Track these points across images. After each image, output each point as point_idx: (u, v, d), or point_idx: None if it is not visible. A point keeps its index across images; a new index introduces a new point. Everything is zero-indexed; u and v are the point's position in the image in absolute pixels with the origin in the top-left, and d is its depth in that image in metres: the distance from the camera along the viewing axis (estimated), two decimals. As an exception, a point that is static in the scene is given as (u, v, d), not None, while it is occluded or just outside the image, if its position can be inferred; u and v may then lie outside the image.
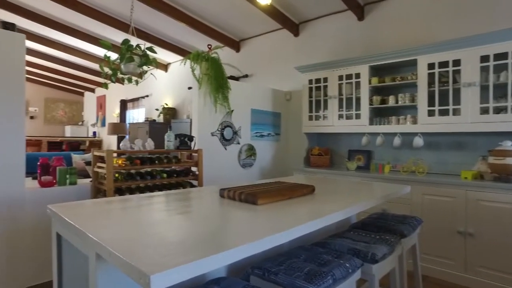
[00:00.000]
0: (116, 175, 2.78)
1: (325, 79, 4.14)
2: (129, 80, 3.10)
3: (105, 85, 3.13)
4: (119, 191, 2.79)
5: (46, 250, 2.85)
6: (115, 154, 2.89)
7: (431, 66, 3.29)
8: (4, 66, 2.53)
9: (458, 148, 3.41)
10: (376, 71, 3.90)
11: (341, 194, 2.04)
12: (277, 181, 2.33)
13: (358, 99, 3.87)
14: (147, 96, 8.01)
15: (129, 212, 1.49)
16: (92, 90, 11.06)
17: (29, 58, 8.05)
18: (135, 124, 7.56)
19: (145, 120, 7.23)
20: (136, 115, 8.78)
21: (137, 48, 2.97)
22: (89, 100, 11.46)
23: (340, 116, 4.01)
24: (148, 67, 3.14)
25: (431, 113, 3.30)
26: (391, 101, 3.65)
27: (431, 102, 3.30)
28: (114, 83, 3.14)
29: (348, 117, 3.97)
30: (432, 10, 3.65)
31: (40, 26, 5.90)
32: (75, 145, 9.83)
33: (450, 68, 3.15)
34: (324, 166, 4.21)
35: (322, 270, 1.36)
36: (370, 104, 3.77)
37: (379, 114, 3.93)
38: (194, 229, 1.22)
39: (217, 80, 3.76)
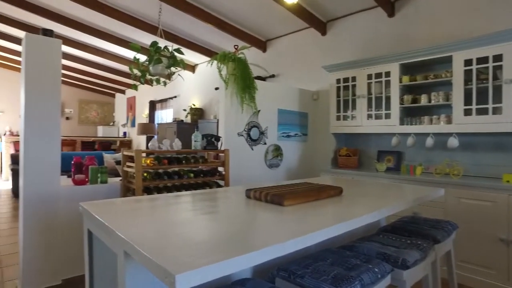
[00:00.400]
0: (145, 174, 2.84)
1: (353, 78, 4.04)
2: (157, 82, 3.16)
3: (134, 87, 3.20)
4: (147, 190, 2.85)
5: (78, 245, 2.95)
6: (143, 154, 2.95)
7: (468, 62, 3.13)
8: (42, 70, 2.65)
9: (499, 149, 3.22)
10: (407, 69, 3.76)
11: (369, 196, 1.97)
12: (304, 182, 2.29)
13: (388, 98, 3.75)
14: (175, 97, 8.16)
15: (157, 211, 1.51)
16: (123, 92, 11.41)
17: (64, 62, 8.42)
18: (164, 124, 7.72)
19: (173, 121, 7.37)
20: (164, 116, 8.97)
21: (165, 50, 3.02)
22: (120, 101, 11.84)
23: (369, 116, 3.90)
24: (176, 68, 3.19)
25: (467, 112, 3.13)
26: (423, 100, 3.51)
27: (467, 101, 3.13)
28: (143, 84, 3.20)
29: (378, 117, 3.86)
30: (468, 2, 3.48)
31: (74, 31, 6.15)
32: (107, 145, 10.17)
33: (490, 64, 2.99)
34: (352, 167, 4.11)
35: (350, 275, 1.32)
36: (401, 104, 3.64)
37: (410, 113, 3.78)
38: (220, 229, 1.21)
39: (243, 80, 3.76)
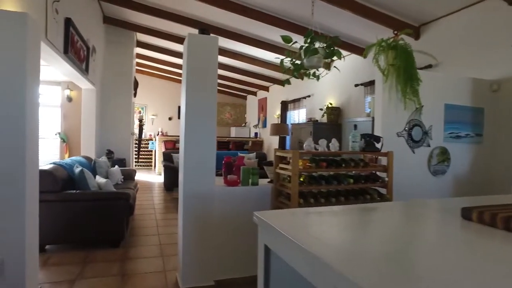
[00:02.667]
0: (301, 178, 2.57)
1: None
2: (314, 75, 2.88)
3: (286, 81, 2.99)
4: (302, 196, 2.57)
5: (231, 247, 2.88)
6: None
7: None
8: (201, 67, 2.65)
9: None
10: None
11: None
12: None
13: None
14: (308, 96, 7.92)
15: (361, 229, 1.16)
16: (254, 94, 11.81)
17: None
18: (298, 124, 7.56)
19: (308, 121, 7.12)
20: (296, 116, 8.84)
21: (321, 39, 2.71)
22: (251, 102, 12.30)
23: None
24: (332, 60, 2.84)
25: None
26: None
27: None
28: (297, 78, 2.97)
29: None
30: None
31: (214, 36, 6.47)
32: (240, 145, 10.65)
33: None
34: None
35: None
36: None
37: None
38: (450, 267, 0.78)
39: (406, 71, 3.17)
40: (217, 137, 11.19)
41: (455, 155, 3.62)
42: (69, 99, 6.51)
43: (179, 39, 7.21)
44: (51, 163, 3.90)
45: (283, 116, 9.13)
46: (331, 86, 7.02)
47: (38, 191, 2.59)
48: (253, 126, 11.78)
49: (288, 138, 8.71)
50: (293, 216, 1.39)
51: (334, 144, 2.72)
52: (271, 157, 9.27)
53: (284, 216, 1.38)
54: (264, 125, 10.78)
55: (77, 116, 6.63)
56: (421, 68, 4.67)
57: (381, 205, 1.78)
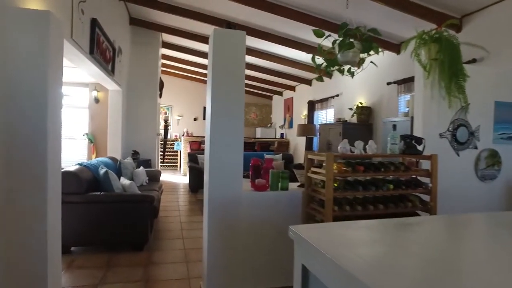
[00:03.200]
0: (335, 184, 2.34)
1: None
2: (349, 72, 2.64)
3: (319, 78, 2.77)
4: (336, 202, 2.35)
5: (258, 255, 2.69)
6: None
7: None
8: (228, 63, 2.48)
9: None
10: None
11: None
12: None
13: None
14: (336, 95, 7.62)
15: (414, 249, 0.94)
16: (280, 94, 11.59)
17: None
18: (326, 125, 7.29)
19: (336, 121, 6.84)
20: (323, 116, 8.56)
21: (357, 33, 2.47)
22: (277, 103, 12.09)
23: None
24: (369, 54, 2.60)
25: None
26: None
27: None
28: (330, 73, 2.74)
29: None
30: None
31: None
32: (265, 146, 10.45)
33: None
34: None
35: None
36: None
37: None
38: None
39: (451, 66, 2.88)
40: (244, 137, 11.01)
41: (507, 158, 3.27)
42: (96, 100, 6.57)
43: (204, 39, 7.12)
44: (76, 164, 3.86)
45: (310, 116, 8.87)
46: (361, 84, 6.70)
47: (61, 193, 2.51)
48: (279, 127, 11.57)
49: (315, 139, 8.44)
50: (334, 231, 1.19)
51: (371, 146, 2.48)
52: (298, 159, 9.02)
53: (324, 231, 1.18)
54: (290, 126, 10.54)
55: (104, 117, 6.68)
56: (463, 63, 4.31)
57: (427, 219, 1.54)
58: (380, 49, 2.62)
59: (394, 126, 2.56)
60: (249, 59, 8.05)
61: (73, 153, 7.31)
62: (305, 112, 9.17)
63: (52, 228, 2.27)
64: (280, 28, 5.96)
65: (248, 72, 9.40)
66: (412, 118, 3.38)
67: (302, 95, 9.70)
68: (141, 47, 7.33)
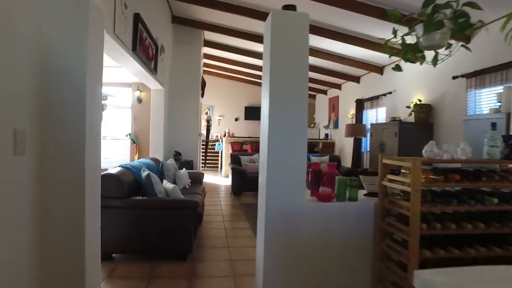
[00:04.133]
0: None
1: None
2: (434, 60, 2.16)
3: (397, 68, 2.31)
4: (423, 218, 1.89)
5: (322, 275, 2.29)
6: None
7: None
8: (289, 51, 2.11)
9: None
10: None
11: None
12: None
13: None
14: (389, 93, 7.00)
15: None
16: (325, 92, 11.04)
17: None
18: (378, 125, 6.71)
19: (391, 120, 6.24)
20: (372, 116, 7.95)
21: (448, 8, 1.99)
22: (321, 102, 11.55)
23: None
24: (464, 34, 2.11)
25: None
26: None
27: None
28: (413, 62, 2.28)
29: None
30: None
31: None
32: (310, 147, 9.97)
33: None
34: None
35: None
36: None
37: None
38: None
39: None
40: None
41: None
42: (139, 100, 6.50)
43: (248, 36, 6.82)
44: (118, 166, 3.68)
45: (358, 116, 8.28)
46: (419, 80, 6.05)
47: (100, 198, 2.27)
48: (323, 127, 11.02)
49: (364, 140, 7.86)
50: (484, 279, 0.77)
51: (465, 150, 1.99)
52: (345, 161, 8.44)
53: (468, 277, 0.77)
54: (336, 126, 9.97)
55: (146, 117, 6.58)
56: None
57: None
58: (470, 30, 2.11)
59: (494, 125, 2.05)
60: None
61: (117, 154, 7.31)
62: (353, 111, 8.59)
63: (91, 234, 2.01)
64: (330, 20, 5.50)
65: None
66: (508, 114, 2.80)
67: (349, 93, 9.12)
68: (183, 46, 7.19)
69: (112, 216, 3.18)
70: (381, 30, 4.54)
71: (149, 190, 3.46)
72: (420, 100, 5.77)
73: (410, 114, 5.85)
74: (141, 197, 3.27)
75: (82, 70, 1.88)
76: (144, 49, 4.38)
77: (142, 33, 4.19)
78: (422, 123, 5.68)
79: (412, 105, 5.87)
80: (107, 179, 3.14)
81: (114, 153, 7.42)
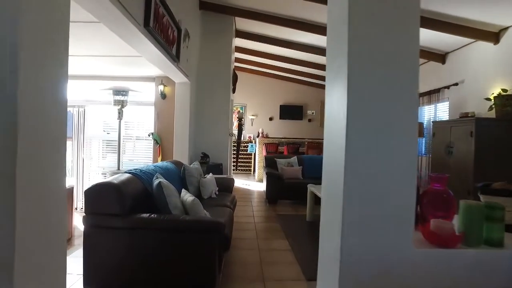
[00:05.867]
0: None
1: None
2: None
3: None
4: None
5: None
6: None
7: None
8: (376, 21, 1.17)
9: None
10: None
11: None
12: None
13: None
14: (455, 84, 5.81)
15: None
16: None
17: (310, 58, 7.62)
18: (443, 122, 5.56)
19: (462, 116, 5.06)
20: (430, 112, 6.75)
21: None
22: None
23: None
24: None
25: None
26: None
27: None
28: None
29: None
30: None
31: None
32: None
33: None
34: None
35: None
36: None
37: None
38: None
39: None
40: (317, 139, 9.51)
41: None
42: (163, 95, 5.80)
43: (286, 22, 5.91)
44: (126, 172, 2.89)
45: (413, 112, 7.09)
46: (500, 64, 4.85)
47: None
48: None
49: (420, 140, 6.68)
50: None
51: None
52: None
53: None
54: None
55: (171, 115, 5.84)
56: None
57: None
58: None
59: None
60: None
61: (140, 155, 6.65)
62: (406, 108, 7.41)
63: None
64: None
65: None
66: None
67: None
68: (212, 35, 6.40)
69: (109, 239, 2.39)
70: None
71: (161, 204, 2.63)
72: (505, 90, 4.56)
73: (490, 108, 4.67)
74: (147, 215, 2.44)
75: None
76: (162, 29, 3.59)
77: (158, 7, 3.40)
78: (508, 120, 4.49)
79: (492, 97, 4.69)
80: (102, 190, 2.34)
81: (140, 155, 6.76)
